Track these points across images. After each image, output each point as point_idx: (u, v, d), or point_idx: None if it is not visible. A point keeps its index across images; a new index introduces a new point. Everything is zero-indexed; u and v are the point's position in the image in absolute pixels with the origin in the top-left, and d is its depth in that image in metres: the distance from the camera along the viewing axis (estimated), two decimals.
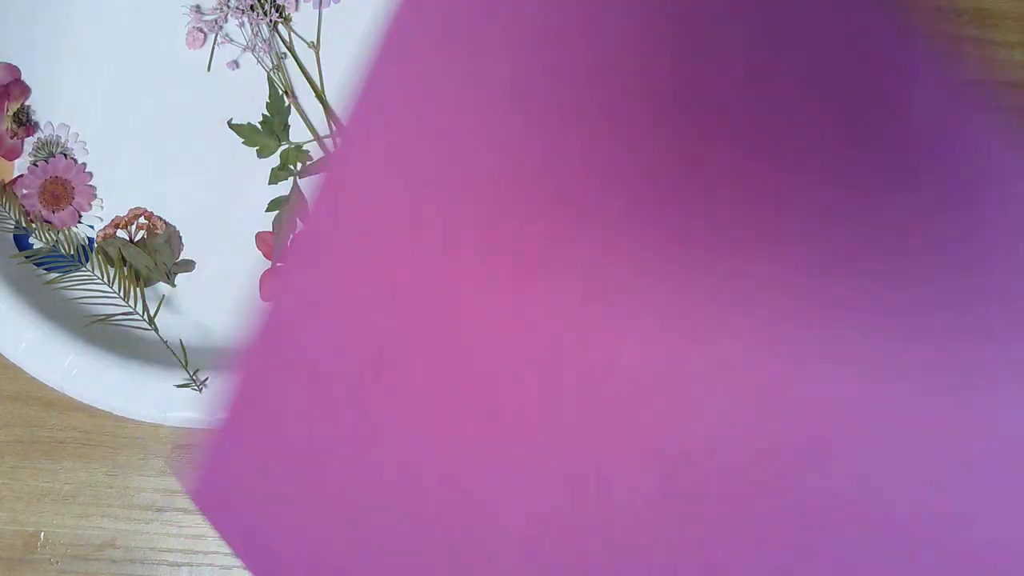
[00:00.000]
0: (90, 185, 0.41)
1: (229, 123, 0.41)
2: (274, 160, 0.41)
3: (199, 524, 0.42)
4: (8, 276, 0.40)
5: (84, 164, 0.41)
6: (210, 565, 0.42)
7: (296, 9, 0.40)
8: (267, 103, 0.40)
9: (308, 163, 0.41)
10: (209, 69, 0.41)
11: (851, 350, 0.17)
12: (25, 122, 0.41)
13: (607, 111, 0.16)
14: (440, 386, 0.17)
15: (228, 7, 0.40)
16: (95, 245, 0.41)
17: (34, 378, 0.39)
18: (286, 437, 0.20)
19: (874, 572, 0.17)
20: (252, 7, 0.40)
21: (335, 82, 0.40)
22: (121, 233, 0.41)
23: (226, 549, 0.42)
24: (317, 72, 0.40)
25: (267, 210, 0.41)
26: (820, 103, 0.17)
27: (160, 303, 0.40)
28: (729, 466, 0.16)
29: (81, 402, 0.39)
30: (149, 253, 0.41)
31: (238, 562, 0.42)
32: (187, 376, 0.38)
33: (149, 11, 0.41)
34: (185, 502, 0.42)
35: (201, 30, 0.40)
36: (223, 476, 0.21)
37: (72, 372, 0.39)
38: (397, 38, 0.20)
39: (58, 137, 0.41)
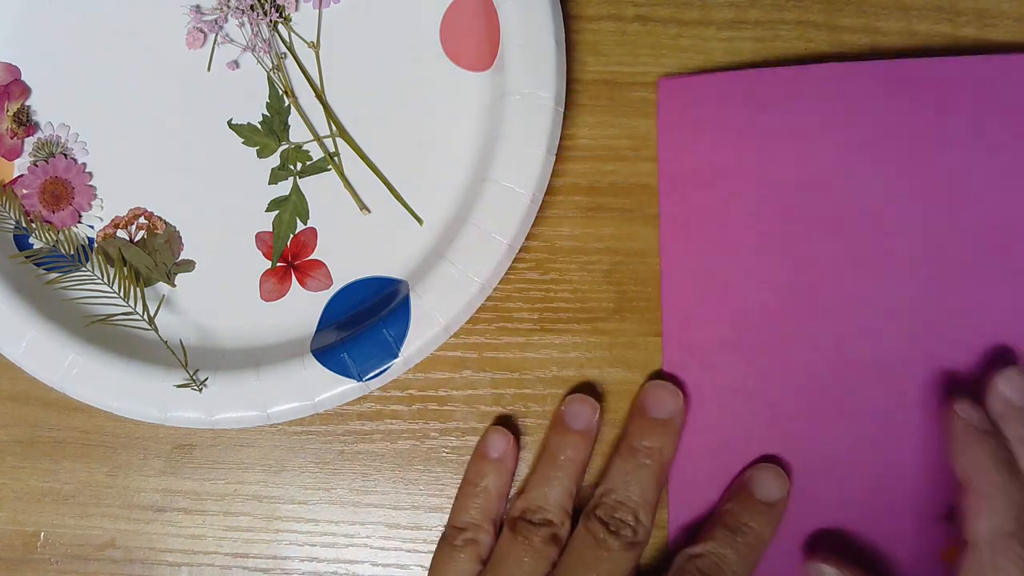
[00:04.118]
0: (90, 185, 0.41)
1: (229, 123, 0.41)
2: (274, 160, 0.41)
3: (199, 524, 0.42)
4: (8, 276, 0.40)
5: (84, 164, 0.41)
6: (210, 565, 0.42)
7: (296, 9, 0.40)
8: (267, 103, 0.40)
9: (308, 163, 0.41)
10: (209, 69, 0.41)
11: None
12: (25, 122, 0.41)
13: None
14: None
15: (228, 7, 0.40)
16: (95, 245, 0.41)
17: (34, 378, 0.39)
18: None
19: None
20: (252, 7, 0.40)
21: (335, 82, 0.40)
22: (121, 233, 0.41)
23: (226, 549, 0.42)
24: (317, 72, 0.40)
25: (267, 210, 0.41)
26: None
27: (160, 303, 0.40)
28: None
29: (81, 402, 0.39)
30: (149, 253, 0.41)
31: (238, 562, 0.42)
32: (187, 376, 0.38)
33: (149, 11, 0.41)
34: (185, 502, 0.42)
35: (201, 30, 0.40)
36: None
37: (72, 372, 0.39)
38: None
39: (58, 137, 0.41)
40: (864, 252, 0.38)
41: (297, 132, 0.41)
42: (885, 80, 0.38)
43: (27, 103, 0.41)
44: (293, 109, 0.40)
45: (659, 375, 0.40)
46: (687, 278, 0.39)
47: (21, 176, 0.41)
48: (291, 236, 0.41)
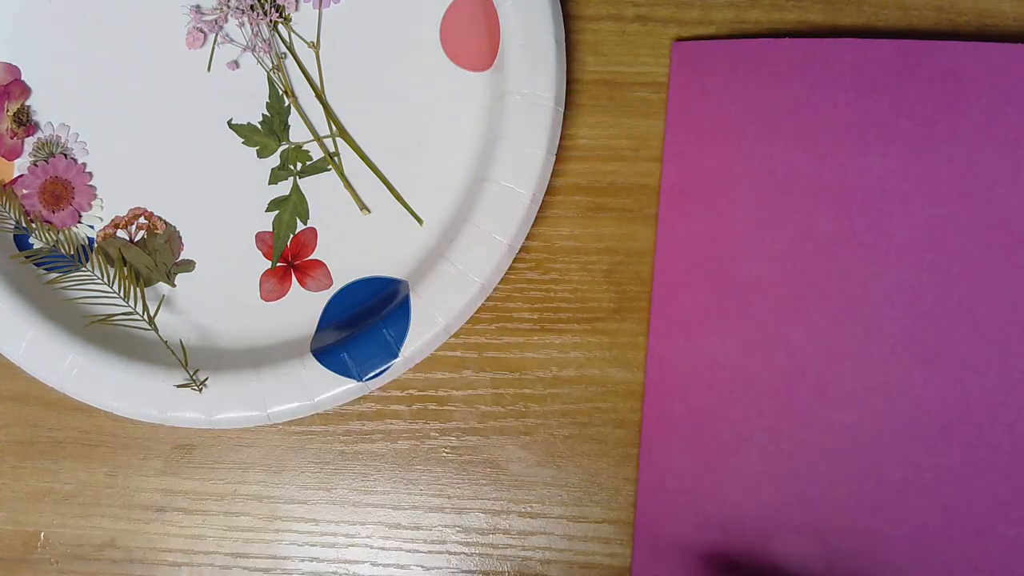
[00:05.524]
0: (90, 185, 0.41)
1: (229, 123, 0.41)
2: (274, 160, 0.41)
3: (199, 524, 0.42)
4: (8, 276, 0.40)
5: (84, 164, 0.41)
6: (210, 565, 0.42)
7: (296, 9, 0.40)
8: (267, 103, 0.40)
9: (308, 163, 0.41)
10: (209, 69, 0.41)
11: None
12: (25, 122, 0.41)
13: None
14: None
15: (228, 7, 0.40)
16: (95, 245, 0.41)
17: (34, 378, 0.39)
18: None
19: None
20: (252, 7, 0.40)
21: (335, 82, 0.40)
22: (121, 233, 0.41)
23: (226, 549, 0.42)
24: (317, 72, 0.40)
25: (267, 210, 0.41)
26: None
27: (160, 303, 0.40)
28: None
29: (81, 402, 0.39)
30: (149, 253, 0.41)
31: (238, 562, 0.42)
32: (187, 376, 0.38)
33: (149, 11, 0.41)
34: (185, 502, 0.42)
35: (201, 30, 0.40)
36: None
37: (72, 372, 0.39)
38: None
39: (58, 137, 0.41)
40: (863, 235, 0.38)
41: (297, 132, 0.41)
42: (902, 60, 0.38)
43: (27, 103, 0.41)
44: (293, 109, 0.40)
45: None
46: (681, 245, 0.39)
47: (21, 176, 0.41)
48: (291, 236, 0.41)
